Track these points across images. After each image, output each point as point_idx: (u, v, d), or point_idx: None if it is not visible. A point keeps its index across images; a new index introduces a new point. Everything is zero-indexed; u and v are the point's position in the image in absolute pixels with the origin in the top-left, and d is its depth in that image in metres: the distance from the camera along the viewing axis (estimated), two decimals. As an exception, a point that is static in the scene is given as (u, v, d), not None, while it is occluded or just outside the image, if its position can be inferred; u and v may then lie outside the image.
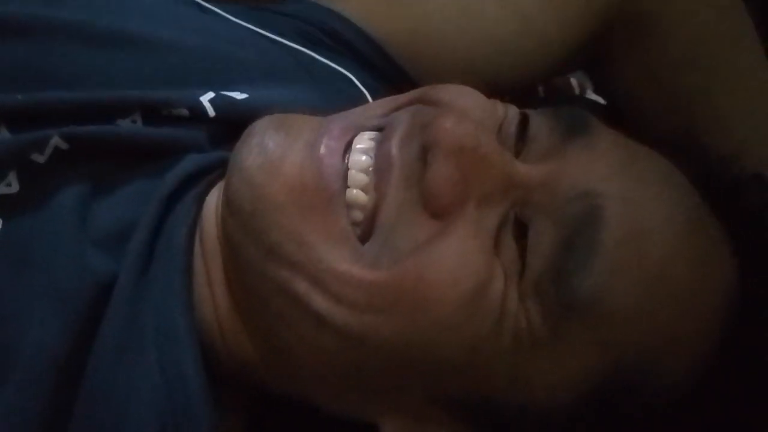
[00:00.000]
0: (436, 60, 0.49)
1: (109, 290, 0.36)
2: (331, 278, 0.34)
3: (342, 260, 0.34)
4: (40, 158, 0.37)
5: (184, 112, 0.41)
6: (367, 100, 0.48)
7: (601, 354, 0.35)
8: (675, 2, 0.51)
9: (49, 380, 0.34)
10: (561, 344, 0.34)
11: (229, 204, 0.36)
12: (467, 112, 0.36)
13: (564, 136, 0.37)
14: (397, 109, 0.38)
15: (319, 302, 0.34)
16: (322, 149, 0.35)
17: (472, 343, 0.34)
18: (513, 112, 0.39)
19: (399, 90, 0.47)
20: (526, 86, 0.56)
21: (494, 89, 0.48)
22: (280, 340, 0.36)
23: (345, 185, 0.35)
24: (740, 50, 0.51)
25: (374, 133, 0.37)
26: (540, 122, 0.38)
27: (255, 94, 0.43)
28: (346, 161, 0.36)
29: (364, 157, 0.36)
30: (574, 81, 0.73)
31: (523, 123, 0.38)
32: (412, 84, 0.48)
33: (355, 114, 0.40)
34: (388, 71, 0.50)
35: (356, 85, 0.48)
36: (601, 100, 0.68)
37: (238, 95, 0.43)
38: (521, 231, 0.35)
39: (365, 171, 0.35)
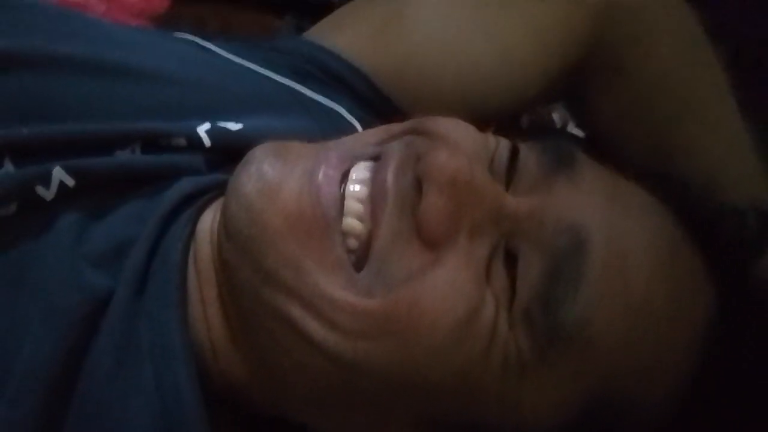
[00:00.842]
0: (422, 91, 0.51)
1: (104, 306, 0.37)
2: (326, 304, 0.34)
3: (337, 287, 0.34)
4: (47, 194, 0.38)
5: (182, 141, 0.42)
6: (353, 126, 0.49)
7: (586, 380, 0.36)
8: (641, 40, 0.52)
9: (41, 394, 0.34)
10: (548, 370, 0.35)
11: (226, 228, 0.36)
12: (460, 145, 0.37)
13: (551, 169, 0.38)
14: (392, 138, 0.39)
15: (313, 327, 0.34)
16: (320, 178, 0.36)
17: (462, 368, 0.35)
18: (504, 144, 0.40)
19: (390, 121, 0.48)
20: (509, 115, 0.57)
21: (479, 118, 0.49)
22: (272, 361, 0.37)
23: (341, 213, 0.36)
24: (706, 82, 0.53)
25: (370, 162, 0.38)
26: (528, 154, 0.39)
27: (249, 124, 0.44)
28: (342, 190, 0.36)
29: (359, 187, 0.36)
30: (555, 115, 0.75)
31: (513, 155, 0.39)
32: (402, 114, 0.49)
33: (351, 142, 0.40)
34: (378, 103, 0.51)
35: (347, 119, 0.49)
36: (581, 134, 0.70)
37: (233, 125, 0.44)
38: (511, 261, 0.36)
39: (361, 200, 0.36)
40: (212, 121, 0.43)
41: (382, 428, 0.38)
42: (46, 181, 0.38)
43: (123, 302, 0.37)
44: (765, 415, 0.39)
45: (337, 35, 0.53)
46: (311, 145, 0.39)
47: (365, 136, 0.41)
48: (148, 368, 0.36)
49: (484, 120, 0.50)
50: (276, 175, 0.36)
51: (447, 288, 0.34)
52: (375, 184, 0.36)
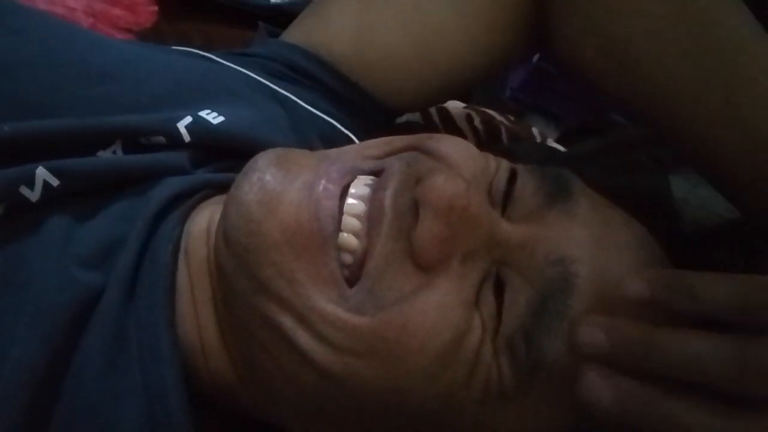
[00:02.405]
0: (384, 67, 0.51)
1: (92, 304, 0.37)
2: (317, 317, 0.35)
3: (329, 301, 0.35)
4: (31, 195, 0.38)
5: (161, 139, 0.42)
6: (333, 126, 0.50)
7: (564, 410, 0.36)
8: None
9: (27, 393, 0.34)
10: (527, 399, 0.36)
11: (225, 235, 0.37)
12: (460, 168, 0.38)
13: (547, 199, 0.38)
14: (393, 152, 0.40)
15: (304, 339, 0.35)
16: (320, 191, 0.36)
17: (445, 391, 0.35)
18: (504, 167, 0.40)
19: (361, 111, 0.49)
20: (480, 81, 0.56)
21: (453, 88, 0.51)
22: (261, 368, 0.37)
23: (338, 229, 0.36)
24: None
25: (370, 178, 0.38)
26: (526, 181, 0.39)
27: (231, 117, 0.45)
28: (341, 204, 0.36)
29: (357, 203, 0.37)
30: (535, 130, 0.77)
31: (512, 178, 0.39)
32: (367, 98, 0.51)
33: (352, 154, 0.40)
34: (346, 92, 0.52)
35: (316, 113, 0.50)
36: (561, 148, 0.71)
37: (215, 118, 0.44)
38: (500, 287, 0.36)
39: (358, 216, 0.36)
40: (193, 112, 0.44)
41: None
42: (29, 181, 0.38)
43: (114, 302, 0.37)
44: None
45: (306, 34, 0.54)
46: (313, 154, 0.40)
47: (367, 149, 0.41)
48: (137, 370, 0.36)
49: (459, 89, 0.53)
50: (277, 186, 0.36)
51: (436, 313, 0.34)
52: (373, 202, 0.36)
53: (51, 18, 0.48)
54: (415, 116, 0.64)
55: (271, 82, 0.50)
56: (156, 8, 0.64)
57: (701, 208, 0.50)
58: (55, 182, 0.38)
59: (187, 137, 0.43)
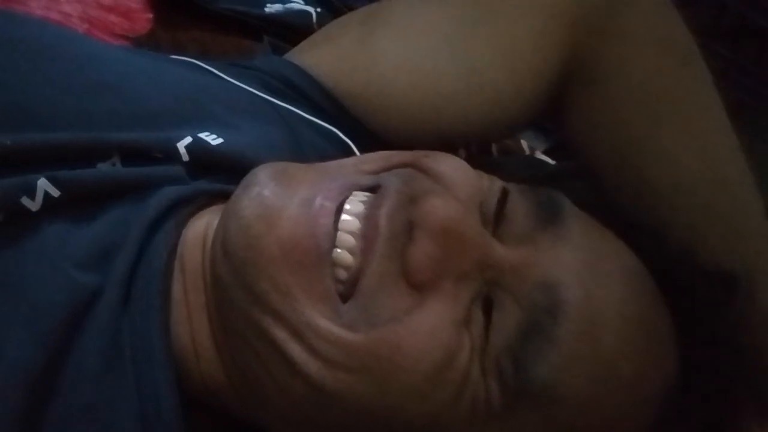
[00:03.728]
0: (389, 114, 0.51)
1: (89, 305, 0.37)
2: (311, 332, 0.35)
3: (322, 317, 0.35)
4: (32, 205, 0.38)
5: (160, 156, 0.43)
6: (335, 134, 0.50)
7: (549, 431, 0.37)
8: (616, 47, 0.49)
9: (22, 393, 0.35)
10: (513, 419, 0.37)
11: (224, 247, 0.37)
12: (456, 188, 0.38)
13: (539, 222, 0.39)
14: (390, 168, 0.40)
15: (296, 352, 0.35)
16: (317, 208, 0.37)
17: (434, 409, 0.36)
18: (496, 186, 0.40)
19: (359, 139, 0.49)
20: (483, 141, 0.57)
21: (452, 143, 0.50)
22: (253, 374, 0.37)
23: (333, 245, 0.37)
24: (686, 90, 0.50)
25: (365, 194, 0.39)
26: (518, 201, 0.40)
27: (230, 139, 0.45)
28: (336, 220, 0.37)
29: (352, 219, 0.37)
30: (524, 143, 0.78)
31: (503, 198, 0.40)
32: (365, 133, 0.51)
33: (349, 168, 0.41)
34: (343, 121, 0.51)
35: (317, 122, 0.50)
36: (549, 161, 0.72)
37: (214, 140, 0.45)
38: (488, 306, 0.37)
39: (353, 234, 0.37)
40: (193, 133, 0.44)
41: None
42: (31, 192, 0.38)
43: (110, 305, 0.37)
44: None
45: (308, 54, 0.54)
46: (311, 168, 0.40)
47: (364, 163, 0.42)
48: (131, 373, 0.37)
49: (458, 144, 0.52)
50: (276, 202, 0.37)
51: (429, 333, 0.35)
52: (368, 220, 0.37)
53: (49, 27, 0.48)
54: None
55: (271, 97, 0.50)
56: (151, 15, 0.64)
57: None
58: (56, 193, 0.39)
59: (185, 157, 0.43)
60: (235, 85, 0.50)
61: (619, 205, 0.47)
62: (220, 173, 0.45)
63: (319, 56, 0.53)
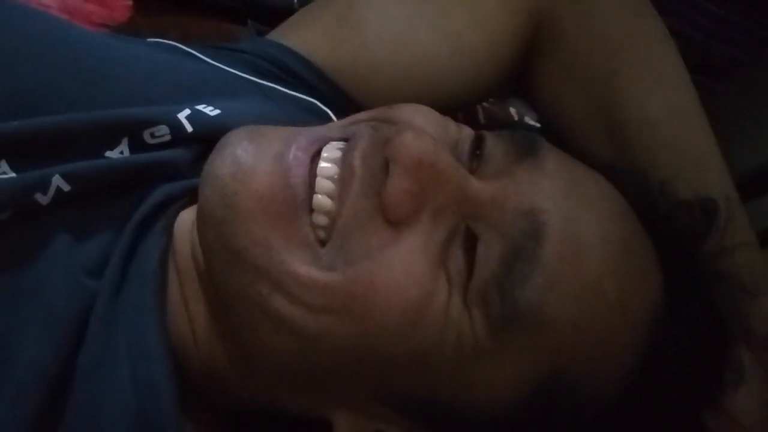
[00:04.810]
0: (377, 85, 0.52)
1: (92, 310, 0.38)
2: (291, 280, 0.36)
3: (302, 263, 0.36)
4: (43, 199, 0.39)
5: (165, 130, 0.43)
6: (316, 105, 0.51)
7: (539, 359, 0.37)
8: (574, 5, 0.53)
9: (39, 395, 0.36)
10: (502, 350, 0.37)
11: (201, 210, 0.38)
12: (424, 129, 0.39)
13: (516, 157, 0.39)
14: (359, 123, 0.41)
15: (279, 303, 0.36)
16: (290, 159, 0.37)
17: (416, 347, 0.36)
18: (466, 132, 0.41)
19: (346, 112, 0.49)
20: (466, 105, 0.58)
21: (436, 109, 0.51)
22: (244, 342, 0.38)
23: (310, 193, 0.37)
24: (643, 39, 0.53)
25: (341, 143, 0.39)
26: (495, 143, 0.40)
27: (227, 110, 0.46)
28: (312, 169, 0.38)
29: (330, 165, 0.38)
30: (513, 110, 0.77)
31: (478, 142, 0.40)
32: (359, 108, 0.51)
33: (321, 128, 0.42)
34: (334, 98, 0.53)
35: (321, 108, 0.51)
36: (537, 125, 0.72)
37: (211, 111, 0.45)
38: (470, 243, 0.37)
39: (332, 179, 0.38)
40: (191, 105, 0.45)
41: (343, 402, 0.39)
42: (45, 188, 0.38)
43: (101, 309, 0.38)
44: (705, 399, 0.40)
45: (293, 34, 0.55)
46: (283, 128, 0.41)
47: (335, 123, 0.43)
48: (124, 368, 0.37)
49: (442, 111, 0.53)
50: (249, 159, 0.37)
51: (401, 269, 0.35)
52: (344, 163, 0.38)
53: (38, 13, 0.48)
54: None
55: (257, 78, 0.51)
56: (130, 3, 0.64)
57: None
58: (66, 187, 0.39)
59: (189, 127, 0.44)
60: (223, 69, 0.51)
61: (594, 155, 0.48)
62: None
63: (305, 35, 0.54)
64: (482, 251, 0.37)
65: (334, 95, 0.52)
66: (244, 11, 0.72)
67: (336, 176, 0.37)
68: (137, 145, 0.43)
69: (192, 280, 0.40)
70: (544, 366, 0.37)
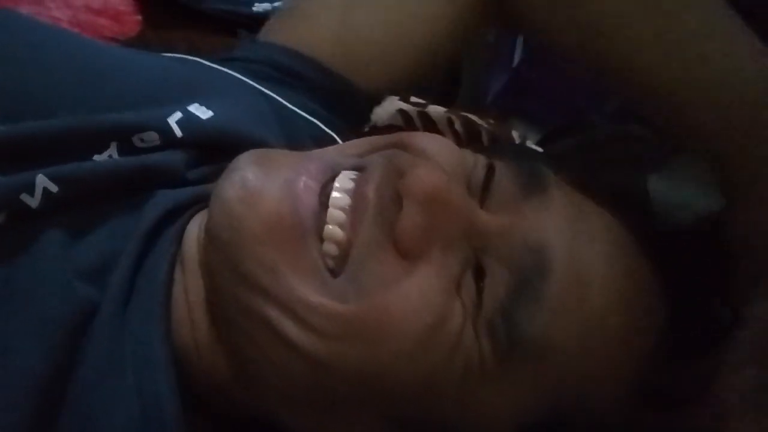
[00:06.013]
0: (375, 66, 0.53)
1: (90, 318, 0.38)
2: (300, 306, 0.36)
3: (311, 290, 0.36)
4: (32, 201, 0.39)
5: (154, 135, 0.43)
6: (317, 126, 0.52)
7: (542, 386, 0.38)
8: None
9: (31, 403, 0.35)
10: (507, 377, 0.37)
11: (208, 232, 0.38)
12: (440, 161, 0.39)
13: (523, 190, 0.40)
14: (373, 150, 0.41)
15: (289, 328, 0.36)
16: (300, 187, 0.37)
17: (426, 373, 0.36)
18: (481, 161, 0.41)
19: (343, 100, 0.51)
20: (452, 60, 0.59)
21: (426, 77, 0.54)
22: (251, 360, 0.38)
23: (318, 222, 0.37)
24: None
25: (354, 173, 0.39)
26: (504, 174, 0.41)
27: (220, 111, 0.46)
28: (322, 199, 0.38)
29: (342, 195, 0.38)
30: (515, 133, 0.78)
31: (490, 172, 0.41)
32: (349, 87, 0.52)
33: (332, 153, 0.42)
34: (327, 82, 0.53)
35: (300, 114, 0.51)
36: (539, 149, 0.72)
37: (204, 112, 0.45)
38: (480, 274, 0.38)
39: (343, 209, 0.38)
40: (182, 107, 0.45)
41: (351, 425, 0.39)
42: (30, 188, 0.38)
43: (108, 317, 0.38)
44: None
45: (290, 35, 0.55)
46: (293, 153, 0.41)
47: (348, 148, 0.43)
48: (130, 378, 0.37)
49: (429, 79, 0.56)
50: (257, 183, 0.37)
51: (417, 298, 0.36)
52: (357, 195, 0.38)
53: (43, 23, 0.49)
54: (396, 119, 0.65)
55: (256, 83, 0.51)
56: (140, 17, 0.65)
57: (680, 208, 0.52)
58: (54, 188, 0.39)
59: (178, 132, 0.44)
60: (221, 70, 0.51)
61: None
62: (216, 156, 0.45)
63: (297, 29, 0.55)
64: (490, 283, 0.37)
65: (328, 81, 0.53)
66: (249, 26, 0.73)
67: (348, 207, 0.38)
68: (126, 150, 0.43)
69: (198, 290, 0.40)
70: (549, 391, 0.38)
